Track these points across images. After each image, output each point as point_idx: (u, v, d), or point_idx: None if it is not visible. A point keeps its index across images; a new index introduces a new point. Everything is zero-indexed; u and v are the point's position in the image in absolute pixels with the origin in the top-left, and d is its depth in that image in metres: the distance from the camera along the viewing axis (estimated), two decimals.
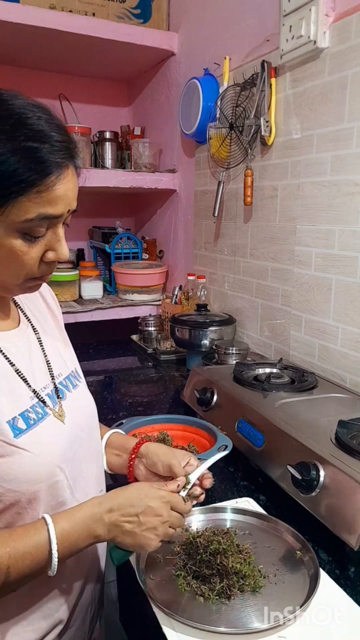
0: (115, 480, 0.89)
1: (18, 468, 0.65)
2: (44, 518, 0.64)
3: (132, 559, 0.76)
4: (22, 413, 0.68)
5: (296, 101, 1.37)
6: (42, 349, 0.79)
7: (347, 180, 1.22)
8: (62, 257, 0.68)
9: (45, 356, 0.79)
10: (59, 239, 0.67)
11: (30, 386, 0.72)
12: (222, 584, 0.69)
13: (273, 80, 1.43)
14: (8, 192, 0.60)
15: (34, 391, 0.72)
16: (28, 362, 0.74)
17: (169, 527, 0.70)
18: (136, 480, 0.84)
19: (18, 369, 0.71)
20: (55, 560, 0.63)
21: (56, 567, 0.63)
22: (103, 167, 2.24)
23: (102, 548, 0.84)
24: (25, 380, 0.72)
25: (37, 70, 2.28)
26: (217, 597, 0.68)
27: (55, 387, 0.77)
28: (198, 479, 0.80)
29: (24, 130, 0.60)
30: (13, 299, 0.80)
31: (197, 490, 0.80)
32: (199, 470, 0.79)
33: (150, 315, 2.11)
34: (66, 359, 0.84)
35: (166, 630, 0.64)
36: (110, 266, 2.27)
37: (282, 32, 1.34)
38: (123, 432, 0.95)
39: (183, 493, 0.75)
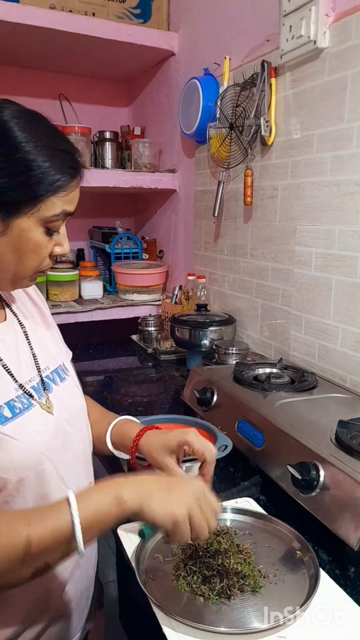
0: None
1: (4, 455, 0.67)
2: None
3: (132, 558, 0.76)
4: (8, 402, 0.71)
5: (296, 101, 1.37)
6: (29, 342, 0.81)
7: (347, 180, 1.22)
8: (66, 252, 0.77)
9: (32, 349, 0.81)
10: (64, 235, 0.76)
11: (16, 380, 0.74)
12: (222, 584, 0.69)
13: (273, 80, 1.43)
14: (45, 191, 0.69)
15: (20, 384, 0.74)
16: (14, 355, 0.77)
17: (203, 520, 0.65)
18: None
19: (4, 363, 0.74)
20: (77, 520, 0.59)
21: (80, 535, 0.59)
22: (103, 167, 2.24)
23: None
24: (10, 373, 0.74)
25: (37, 70, 2.28)
26: (217, 597, 0.68)
27: (42, 380, 0.79)
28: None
29: (56, 140, 0.72)
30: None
31: None
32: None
33: (150, 315, 2.11)
34: (54, 352, 0.86)
35: (166, 630, 0.64)
36: (110, 266, 2.27)
37: (282, 32, 1.34)
38: (132, 418, 0.93)
39: None
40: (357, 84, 1.17)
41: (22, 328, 0.82)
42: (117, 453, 0.89)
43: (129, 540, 0.81)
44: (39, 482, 0.71)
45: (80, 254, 2.44)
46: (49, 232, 0.72)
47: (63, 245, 0.76)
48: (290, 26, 1.30)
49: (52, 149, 0.69)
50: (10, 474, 0.68)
